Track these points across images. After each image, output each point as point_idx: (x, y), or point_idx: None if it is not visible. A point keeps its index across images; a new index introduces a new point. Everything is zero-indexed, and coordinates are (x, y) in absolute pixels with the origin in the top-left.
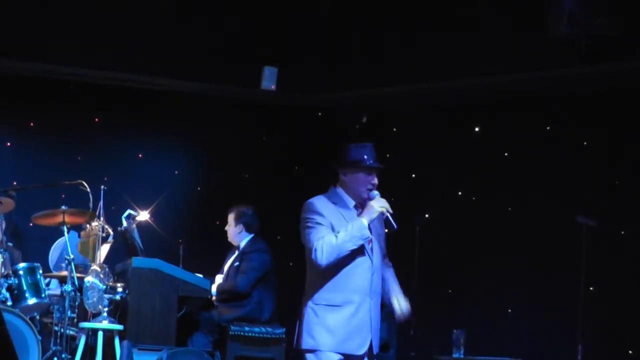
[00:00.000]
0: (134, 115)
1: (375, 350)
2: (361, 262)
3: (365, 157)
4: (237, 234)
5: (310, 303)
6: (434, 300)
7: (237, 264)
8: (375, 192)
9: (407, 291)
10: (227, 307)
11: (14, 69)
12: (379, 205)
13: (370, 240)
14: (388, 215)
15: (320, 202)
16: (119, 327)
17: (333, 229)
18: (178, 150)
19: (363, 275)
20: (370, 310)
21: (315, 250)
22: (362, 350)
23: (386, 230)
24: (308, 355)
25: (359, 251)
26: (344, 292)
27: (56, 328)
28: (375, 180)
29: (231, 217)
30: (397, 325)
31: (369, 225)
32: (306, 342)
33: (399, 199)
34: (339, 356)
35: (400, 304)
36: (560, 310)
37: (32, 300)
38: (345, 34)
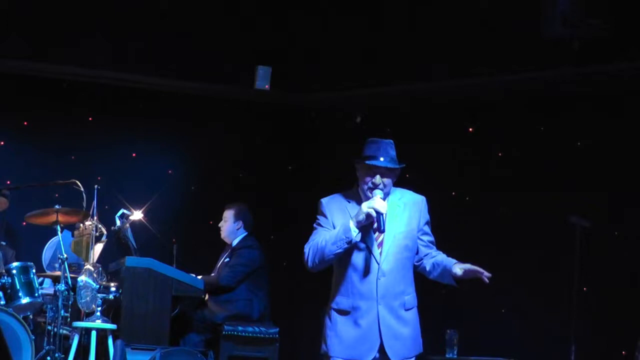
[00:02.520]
0: (127, 114)
1: (395, 357)
2: (366, 267)
3: (369, 153)
4: (234, 231)
5: (328, 308)
6: (427, 300)
7: (227, 260)
8: (377, 191)
9: None
10: (216, 305)
11: (7, 67)
12: (367, 206)
13: (381, 243)
14: (376, 216)
15: (328, 202)
16: (112, 326)
17: None
18: (172, 150)
19: (368, 280)
20: (379, 317)
21: (305, 252)
22: (369, 358)
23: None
24: None
25: (364, 255)
26: (351, 297)
27: (49, 327)
28: (377, 179)
29: (230, 214)
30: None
31: (378, 226)
32: (322, 347)
33: None
34: None
35: (462, 266)
36: (554, 311)
37: (25, 300)
38: (340, 33)
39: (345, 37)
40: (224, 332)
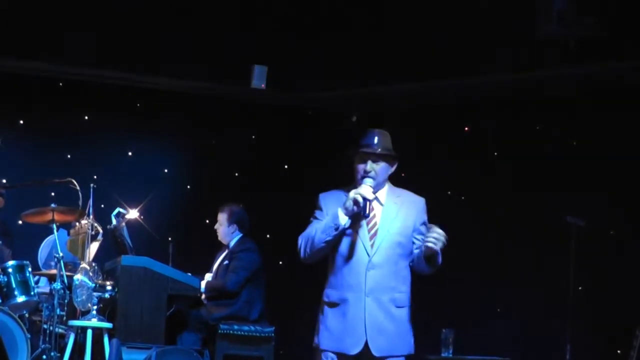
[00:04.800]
0: (123, 113)
1: (378, 352)
2: (357, 259)
3: (363, 142)
4: (229, 234)
5: (321, 301)
6: (423, 299)
7: (226, 262)
8: (367, 179)
9: None
10: (215, 305)
11: (2, 66)
12: (354, 192)
13: (374, 235)
14: (363, 202)
15: (326, 196)
16: (108, 325)
17: None
18: (167, 149)
19: (357, 272)
20: (366, 310)
21: (298, 243)
22: (355, 350)
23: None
24: (315, 353)
25: (355, 247)
26: (340, 289)
27: (45, 326)
28: (368, 166)
29: (223, 217)
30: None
31: (363, 212)
32: (314, 340)
33: None
34: (335, 355)
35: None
36: (549, 310)
37: (21, 298)
38: (335, 32)
39: (339, 36)
40: (219, 331)
